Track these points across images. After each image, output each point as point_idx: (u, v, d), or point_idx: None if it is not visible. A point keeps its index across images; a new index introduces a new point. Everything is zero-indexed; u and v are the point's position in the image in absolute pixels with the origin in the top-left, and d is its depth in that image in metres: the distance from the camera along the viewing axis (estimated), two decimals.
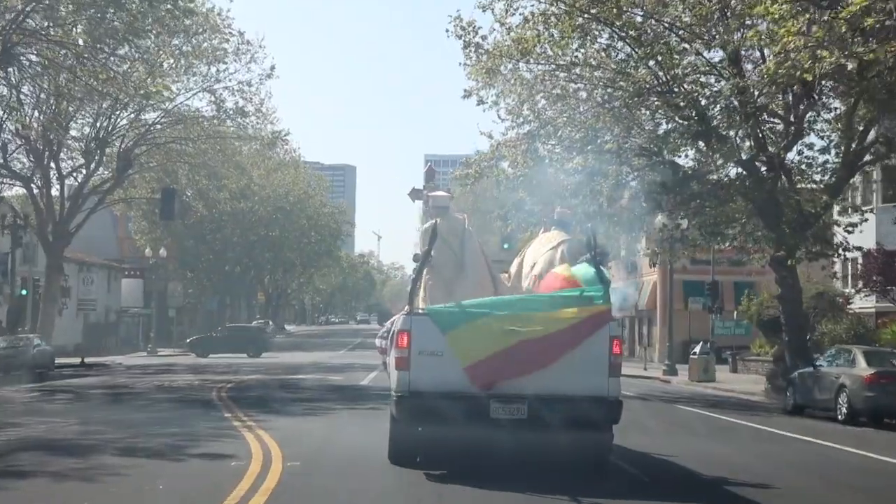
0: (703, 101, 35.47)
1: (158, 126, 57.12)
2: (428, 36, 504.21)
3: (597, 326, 13.07)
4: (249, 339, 66.48)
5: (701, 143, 36.79)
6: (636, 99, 34.95)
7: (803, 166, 37.54)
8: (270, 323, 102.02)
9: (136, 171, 58.53)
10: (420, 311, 13.61)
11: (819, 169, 37.70)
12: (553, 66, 36.59)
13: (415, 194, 17.04)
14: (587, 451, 13.79)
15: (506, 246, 62.71)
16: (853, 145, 35.35)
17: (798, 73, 24.27)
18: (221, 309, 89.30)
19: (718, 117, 36.09)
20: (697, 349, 47.87)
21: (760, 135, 36.32)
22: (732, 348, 58.34)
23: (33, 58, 44.32)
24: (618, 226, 41.25)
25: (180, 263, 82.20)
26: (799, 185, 37.25)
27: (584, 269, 14.30)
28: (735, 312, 64.68)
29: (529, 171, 36.83)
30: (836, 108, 36.27)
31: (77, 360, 53.17)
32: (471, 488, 12.40)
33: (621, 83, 34.42)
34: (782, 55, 25.02)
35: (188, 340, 67.23)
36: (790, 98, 34.32)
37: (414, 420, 13.37)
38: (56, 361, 48.43)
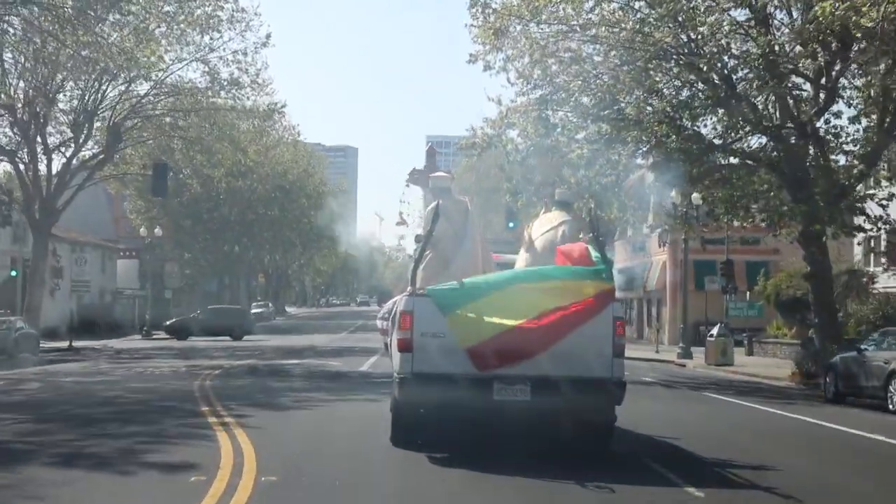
0: (729, 63, 32.36)
1: (150, 98, 53.98)
2: (429, 16, 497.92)
3: (601, 306, 12.66)
4: (232, 321, 63.37)
5: (721, 111, 33.79)
6: (655, 62, 31.88)
7: (829, 136, 34.40)
8: (270, 305, 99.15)
9: (128, 146, 55.34)
10: (422, 291, 13.06)
11: (849, 139, 34.58)
12: (566, 28, 33.48)
13: (413, 178, 16.47)
14: (591, 433, 13.46)
15: (511, 225, 59.49)
16: (891, 109, 32.17)
17: (855, 18, 21.09)
18: (220, 290, 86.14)
19: (744, 81, 33.03)
20: (714, 331, 44.79)
21: (790, 100, 33.24)
22: (746, 330, 55.11)
23: (16, 22, 41.42)
24: (632, 200, 38.20)
25: (177, 243, 79.04)
26: (830, 155, 34.12)
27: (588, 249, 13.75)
28: (748, 293, 61.50)
29: (540, 139, 33.73)
30: (871, 71, 33.06)
31: (65, 344, 50.20)
32: (473, 472, 11.86)
33: (640, 43, 31.28)
34: None
35: (167, 323, 63.66)
36: (821, 59, 31.05)
37: (416, 402, 13.08)
38: (43, 345, 45.70)
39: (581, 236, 14.72)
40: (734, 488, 11.92)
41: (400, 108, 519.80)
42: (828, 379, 26.77)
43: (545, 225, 15.21)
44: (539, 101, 32.95)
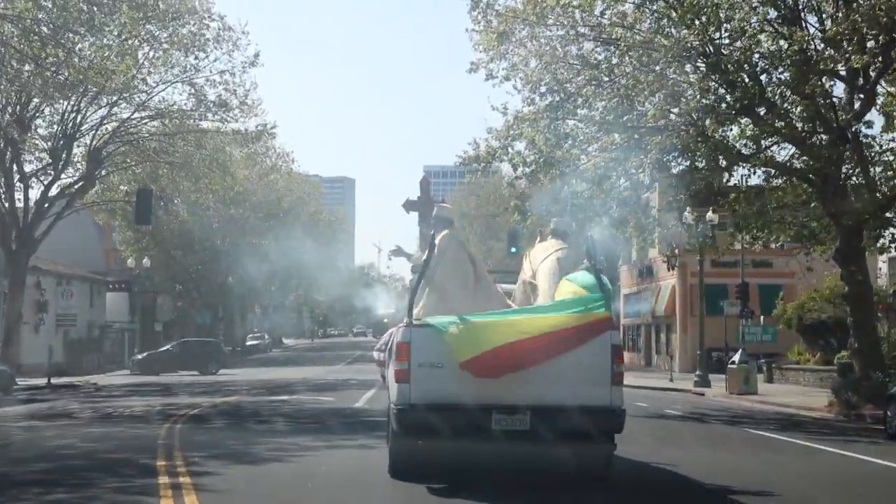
0: (759, 65, 28.93)
1: (134, 122, 50.57)
2: (426, 46, 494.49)
3: (597, 332, 12.50)
4: (205, 354, 59.55)
5: (745, 120, 30.44)
6: (676, 63, 28.47)
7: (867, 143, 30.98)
8: (266, 336, 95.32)
9: (110, 171, 51.80)
10: (419, 321, 12.91)
11: (884, 149, 31.18)
12: (574, 33, 30.12)
13: (409, 206, 16.72)
14: (590, 463, 13.26)
15: (513, 250, 55.93)
16: None
17: None
18: (214, 323, 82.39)
19: (775, 84, 29.61)
20: (736, 358, 41.09)
21: (823, 104, 29.77)
22: (761, 356, 51.32)
23: None
24: (648, 217, 34.79)
25: (167, 275, 75.38)
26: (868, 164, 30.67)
27: (583, 276, 13.49)
28: (762, 317, 57.79)
29: (551, 150, 30.23)
30: None
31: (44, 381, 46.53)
32: (473, 501, 11.67)
33: (659, 44, 27.86)
34: None
35: (133, 358, 59.73)
36: (866, 57, 27.54)
37: (414, 433, 12.74)
38: (22, 383, 42.23)
39: (582, 264, 14.07)
40: None
41: (396, 138, 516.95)
42: (889, 412, 23.10)
43: (541, 254, 14.87)
44: (549, 108, 29.43)
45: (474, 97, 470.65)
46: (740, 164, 31.11)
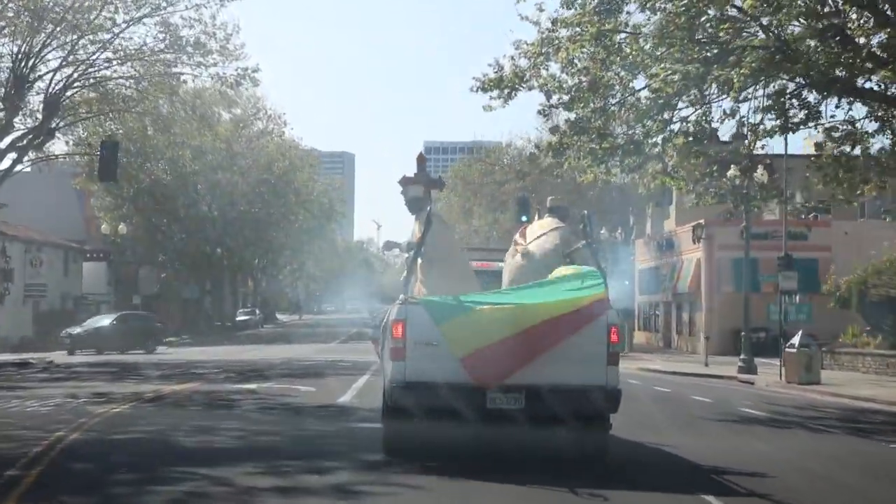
0: None
1: (98, 65, 42.73)
2: (427, 19, 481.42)
3: (594, 315, 11.91)
4: (143, 330, 50.88)
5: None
6: None
7: None
8: (258, 312, 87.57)
9: (71, 122, 44.04)
10: (414, 300, 12.33)
11: None
12: None
13: (404, 184, 14.82)
14: (586, 441, 12.61)
15: (524, 218, 48.17)
16: None
17: None
18: (202, 297, 74.60)
19: None
20: (795, 341, 33.38)
21: None
22: (782, 335, 43.46)
23: None
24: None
25: (149, 244, 67.62)
26: None
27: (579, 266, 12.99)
28: (796, 296, 50.07)
29: (597, 73, 22.54)
30: None
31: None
32: (466, 480, 11.10)
33: None
34: None
35: (63, 334, 50.21)
36: None
37: (409, 411, 12.00)
38: None
39: (580, 244, 13.69)
40: None
41: (398, 113, 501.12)
42: None
43: (537, 231, 14.26)
44: (598, 8, 21.65)
45: (473, 75, 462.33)
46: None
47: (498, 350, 11.65)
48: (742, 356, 37.99)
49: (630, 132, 23.72)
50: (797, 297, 46.42)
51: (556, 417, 12.04)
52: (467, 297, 12.27)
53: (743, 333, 38.80)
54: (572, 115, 23.17)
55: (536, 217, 15.50)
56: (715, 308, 55.39)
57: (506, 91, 23.20)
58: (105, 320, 51.61)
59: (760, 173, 34.41)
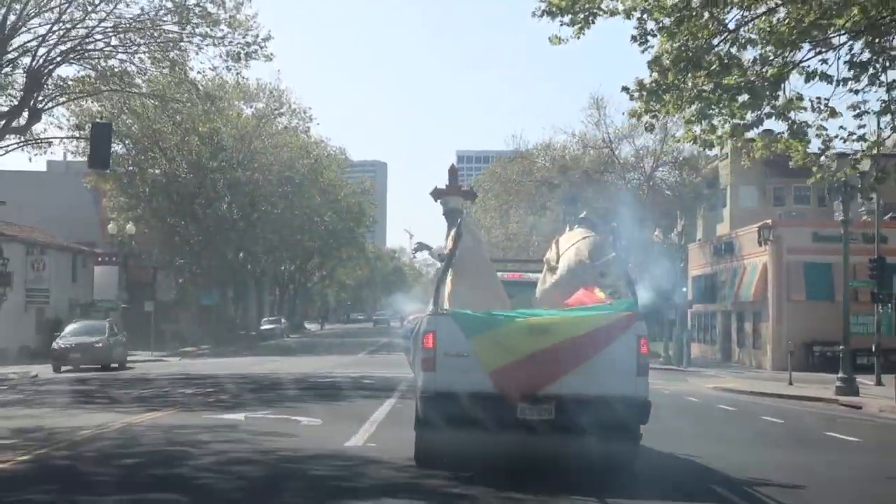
0: None
1: (91, 36, 36.43)
2: (457, 30, 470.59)
3: (623, 329, 11.59)
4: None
5: None
6: None
7: None
8: (283, 321, 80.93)
9: (61, 101, 37.76)
10: (444, 311, 12.11)
11: None
12: None
13: (437, 194, 14.48)
14: (615, 452, 12.09)
15: (572, 219, 41.29)
16: None
17: None
18: (223, 304, 68.14)
19: None
20: None
21: None
22: (877, 351, 36.67)
23: None
24: None
25: (165, 247, 61.25)
26: None
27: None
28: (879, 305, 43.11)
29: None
30: None
31: None
32: (497, 490, 10.62)
33: None
34: None
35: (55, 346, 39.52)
36: None
37: (440, 421, 11.79)
38: None
39: (611, 255, 13.11)
40: None
41: (430, 122, 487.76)
42: None
43: (567, 243, 13.72)
44: None
45: (506, 83, 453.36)
46: None
47: (526, 365, 11.42)
48: (840, 374, 30.95)
49: (758, 68, 16.85)
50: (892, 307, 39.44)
51: (585, 428, 11.75)
52: (498, 312, 12.15)
53: (842, 348, 31.69)
54: (672, 46, 16.27)
55: (567, 229, 14.52)
56: (783, 318, 48.36)
57: (580, 16, 16.43)
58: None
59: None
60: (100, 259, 60.69)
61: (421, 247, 15.57)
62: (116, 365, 38.42)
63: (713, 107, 17.24)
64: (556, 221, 59.63)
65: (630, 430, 11.89)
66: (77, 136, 37.79)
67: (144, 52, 36.00)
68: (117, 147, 60.41)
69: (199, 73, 36.86)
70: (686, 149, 58.75)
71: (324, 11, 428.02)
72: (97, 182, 60.59)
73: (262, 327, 75.73)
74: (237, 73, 36.51)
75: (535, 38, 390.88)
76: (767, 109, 17.56)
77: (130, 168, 60.14)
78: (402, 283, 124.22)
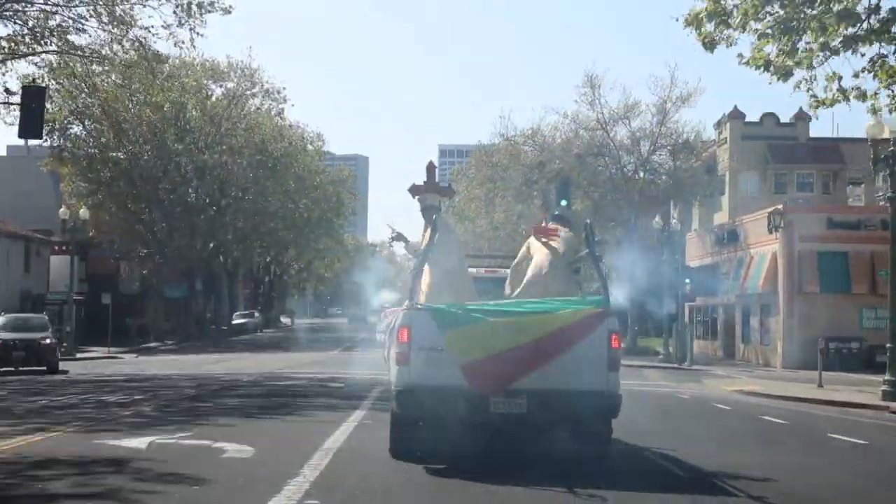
0: None
1: None
2: (439, 22, 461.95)
3: (594, 326, 11.46)
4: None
5: None
6: None
7: None
8: (256, 314, 75.42)
9: None
10: (420, 306, 11.88)
11: None
12: None
13: (414, 192, 14.34)
14: (587, 445, 12.07)
15: (563, 203, 37.12)
16: None
17: None
18: (191, 297, 62.63)
19: None
20: None
21: None
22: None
23: None
24: None
25: (127, 236, 55.68)
26: None
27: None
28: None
29: None
30: None
31: None
32: (471, 482, 10.45)
33: None
34: None
35: None
36: None
37: (414, 415, 11.77)
38: None
39: (584, 252, 13.09)
40: None
41: (411, 116, 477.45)
42: None
43: (542, 237, 13.60)
44: None
45: (491, 75, 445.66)
46: None
47: (499, 361, 11.21)
48: (887, 376, 25.93)
49: None
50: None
51: (557, 422, 11.79)
52: (473, 307, 11.87)
53: (889, 346, 26.64)
54: None
55: (544, 223, 14.39)
56: (795, 312, 43.46)
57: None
58: None
59: None
60: (56, 248, 55.20)
61: (399, 237, 14.98)
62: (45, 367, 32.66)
63: (795, 18, 12.14)
64: (543, 208, 54.60)
65: (601, 423, 11.79)
66: (8, 101, 32.30)
67: (85, 5, 30.72)
68: (76, 128, 55.41)
69: (148, 29, 31.54)
70: (685, 131, 53.93)
71: (303, 4, 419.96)
72: (54, 166, 55.19)
73: (234, 322, 70.24)
74: (192, 31, 31.14)
75: (517, 36, 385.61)
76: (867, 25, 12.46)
77: (91, 150, 54.73)
78: (383, 277, 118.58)
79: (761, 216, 45.67)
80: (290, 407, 18.08)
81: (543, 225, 14.23)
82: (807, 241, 43.43)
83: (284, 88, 59.58)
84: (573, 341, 11.32)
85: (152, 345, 53.98)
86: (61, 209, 45.72)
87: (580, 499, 9.78)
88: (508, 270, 14.20)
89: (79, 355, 44.15)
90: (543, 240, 13.41)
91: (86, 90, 53.04)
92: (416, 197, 14.25)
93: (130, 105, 54.20)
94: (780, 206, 44.84)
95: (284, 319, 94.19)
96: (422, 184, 14.37)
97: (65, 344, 44.06)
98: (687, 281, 45.36)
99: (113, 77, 54.11)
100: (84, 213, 46.70)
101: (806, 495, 10.56)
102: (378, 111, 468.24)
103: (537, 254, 13.30)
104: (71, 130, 54.37)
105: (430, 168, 14.78)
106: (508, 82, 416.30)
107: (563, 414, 11.50)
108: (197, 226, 56.79)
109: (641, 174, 53.77)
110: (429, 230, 13.08)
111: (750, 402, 24.70)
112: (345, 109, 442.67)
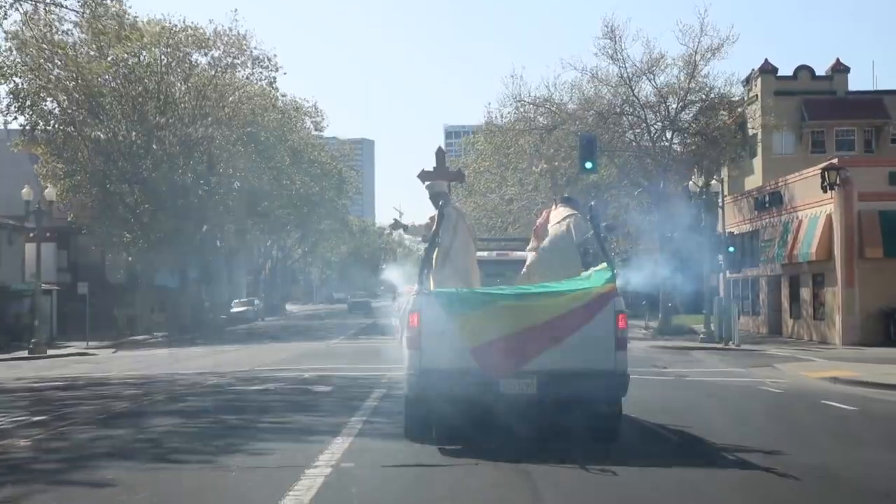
0: None
1: None
2: (445, 7, 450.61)
3: (602, 305, 11.35)
4: None
5: None
6: None
7: None
8: (256, 302, 68.94)
9: None
10: (429, 291, 11.71)
11: None
12: None
13: (424, 176, 15.61)
14: (597, 425, 11.81)
15: (588, 166, 33.09)
16: None
17: None
18: (184, 285, 56.33)
19: None
20: None
21: None
22: None
23: None
24: None
25: (105, 218, 49.33)
26: None
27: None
28: None
29: None
30: None
31: None
32: (482, 460, 10.31)
33: None
34: None
35: None
36: None
37: (426, 397, 11.55)
38: None
39: (589, 233, 12.85)
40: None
41: (417, 97, 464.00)
42: None
43: (553, 220, 13.51)
44: None
45: (490, 54, 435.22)
46: None
47: (507, 343, 11.14)
48: None
49: None
50: None
51: (567, 402, 11.56)
52: (482, 291, 11.91)
53: None
54: None
55: (554, 206, 13.96)
56: (855, 280, 36.99)
57: None
58: None
59: None
60: (31, 235, 48.90)
61: (396, 224, 14.37)
62: None
63: None
64: (564, 174, 48.12)
65: (611, 402, 11.60)
66: None
67: None
68: (49, 104, 49.20)
69: None
70: (717, 85, 47.34)
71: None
72: (26, 146, 48.98)
73: (233, 310, 63.89)
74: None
75: (521, 15, 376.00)
76: None
77: (66, 128, 48.51)
78: (392, 260, 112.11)
79: (811, 173, 39.14)
80: (239, 435, 11.87)
81: (552, 208, 13.86)
82: (867, 200, 36.90)
83: (276, 56, 52.74)
84: (582, 321, 11.19)
85: (139, 338, 47.83)
86: (24, 190, 39.32)
87: (592, 474, 9.58)
88: (520, 253, 14.11)
89: (51, 352, 38.18)
90: (556, 221, 13.19)
91: (58, 62, 46.91)
92: (426, 183, 14.03)
93: (108, 77, 48.05)
94: (835, 161, 38.29)
95: (290, 307, 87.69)
96: (431, 170, 14.97)
97: (34, 340, 38.08)
98: (731, 249, 38.91)
99: (87, 49, 48.30)
100: (50, 192, 40.41)
101: None
102: (383, 94, 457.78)
103: (550, 233, 13.16)
104: (43, 106, 48.19)
105: (440, 153, 15.26)
106: (520, 40, 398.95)
107: (571, 394, 11.35)
108: (185, 207, 50.42)
109: (669, 134, 47.16)
110: (436, 216, 12.82)
111: (867, 397, 18.24)
112: (349, 93, 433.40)
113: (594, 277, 11.78)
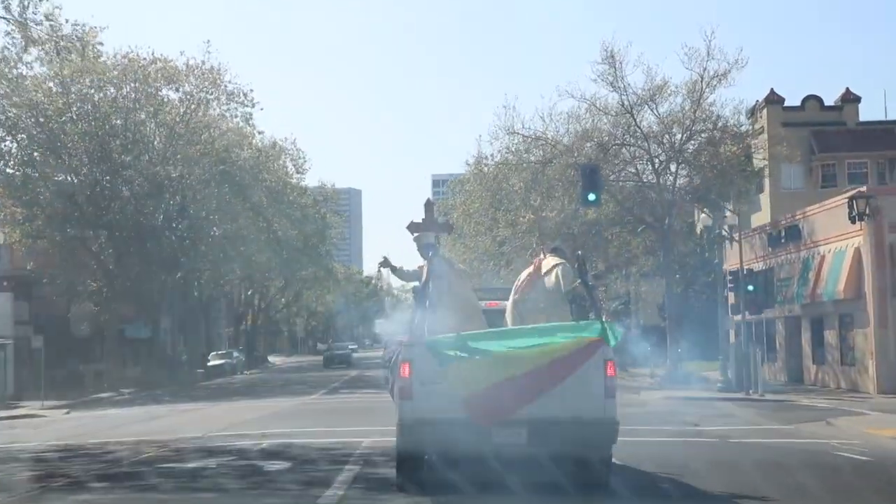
0: None
1: None
2: (430, 53, 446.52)
3: (590, 354, 11.19)
4: None
5: None
6: None
7: None
8: (235, 354, 63.92)
9: None
10: (420, 341, 11.54)
11: None
12: None
13: (413, 228, 14.58)
14: (588, 472, 11.53)
15: (591, 198, 30.52)
16: None
17: None
18: (156, 336, 51.60)
19: None
20: None
21: None
22: None
23: None
24: None
25: (66, 265, 44.76)
26: None
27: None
28: None
29: None
30: None
31: None
32: None
33: None
34: None
35: None
36: None
37: (418, 447, 11.55)
38: None
39: (577, 282, 12.73)
40: None
41: (403, 147, 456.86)
42: None
43: (543, 269, 13.11)
44: None
45: (478, 102, 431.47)
46: None
47: (497, 392, 10.96)
48: None
49: None
50: None
51: (557, 450, 11.32)
52: (471, 339, 11.48)
53: None
54: None
55: (543, 256, 13.64)
56: (889, 320, 32.74)
57: None
58: None
59: None
60: None
61: (385, 262, 13.82)
62: None
63: None
64: (561, 211, 43.82)
65: (601, 450, 11.44)
66: None
67: None
68: (7, 143, 44.97)
69: None
70: (724, 115, 43.28)
71: (294, 31, 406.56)
72: None
73: (210, 363, 58.99)
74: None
75: (509, 64, 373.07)
76: None
77: (24, 169, 44.24)
78: (381, 310, 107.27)
79: (834, 204, 35.08)
80: None
81: (540, 258, 13.43)
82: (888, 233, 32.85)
83: (252, 91, 48.39)
84: (571, 369, 11.10)
85: (105, 395, 43.07)
86: None
87: None
88: (508, 303, 13.45)
89: (1, 413, 33.51)
90: (542, 272, 12.90)
91: (16, 100, 42.78)
92: (415, 235, 14.18)
93: (72, 114, 43.84)
94: (863, 189, 34.21)
95: (273, 359, 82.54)
96: (420, 221, 14.44)
97: None
98: (750, 287, 34.65)
99: (49, 85, 44.22)
100: (8, 238, 35.99)
101: None
102: (371, 144, 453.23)
103: (534, 288, 12.92)
104: (1, 146, 44.01)
105: (428, 205, 14.95)
106: (511, 73, 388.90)
107: (562, 442, 11.16)
108: (155, 252, 45.90)
109: (673, 167, 42.99)
110: (425, 267, 12.80)
111: None
112: (337, 145, 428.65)
113: (584, 326, 11.56)
